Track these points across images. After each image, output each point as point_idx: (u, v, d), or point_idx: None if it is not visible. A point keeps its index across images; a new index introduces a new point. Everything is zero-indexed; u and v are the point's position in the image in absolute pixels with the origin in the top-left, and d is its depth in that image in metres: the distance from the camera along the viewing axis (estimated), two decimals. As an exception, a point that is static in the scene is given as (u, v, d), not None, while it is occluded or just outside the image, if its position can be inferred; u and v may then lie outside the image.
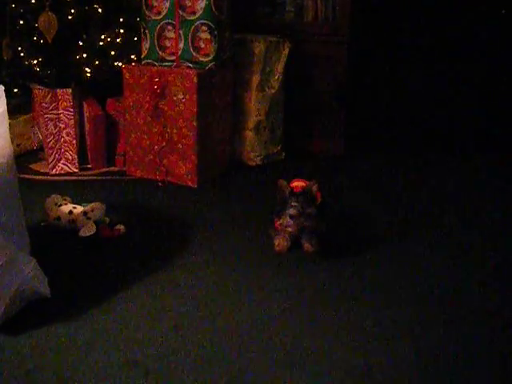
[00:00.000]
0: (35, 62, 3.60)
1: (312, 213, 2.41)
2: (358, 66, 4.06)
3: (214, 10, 3.26)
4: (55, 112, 3.42)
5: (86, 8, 3.59)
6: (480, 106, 4.39)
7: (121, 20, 3.67)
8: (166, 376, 1.75)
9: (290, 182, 2.59)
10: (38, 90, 3.44)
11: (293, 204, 2.41)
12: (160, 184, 3.35)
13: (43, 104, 3.40)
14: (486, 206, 3.14)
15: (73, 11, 3.55)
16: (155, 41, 3.38)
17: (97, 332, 1.95)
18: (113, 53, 3.64)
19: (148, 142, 3.40)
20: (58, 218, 2.66)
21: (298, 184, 2.55)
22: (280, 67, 3.71)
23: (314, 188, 2.46)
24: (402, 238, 2.75)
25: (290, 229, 2.44)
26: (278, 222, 2.47)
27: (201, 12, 3.26)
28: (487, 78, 4.42)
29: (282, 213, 2.44)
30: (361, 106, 4.24)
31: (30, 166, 3.57)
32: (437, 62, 4.46)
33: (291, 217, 2.41)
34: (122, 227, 2.68)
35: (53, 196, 2.76)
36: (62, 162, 3.47)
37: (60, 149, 3.45)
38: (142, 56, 3.46)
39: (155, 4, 3.34)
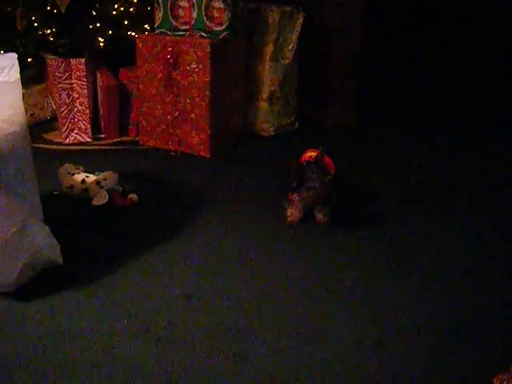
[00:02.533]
0: (49, 31, 3.60)
1: (329, 180, 2.41)
2: (373, 35, 4.02)
3: (227, -22, 3.24)
4: (68, 82, 3.42)
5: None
6: (500, 78, 4.34)
7: (134, -11, 3.66)
8: (177, 344, 1.77)
9: (303, 152, 2.59)
10: (52, 60, 3.43)
11: (312, 177, 2.40)
12: (173, 154, 3.35)
13: (57, 74, 3.40)
14: (499, 180, 3.11)
15: (86, -20, 3.55)
16: (168, 10, 3.36)
17: (108, 299, 1.97)
18: (126, 22, 3.63)
19: (161, 112, 3.39)
20: (71, 187, 2.67)
21: (311, 154, 2.55)
22: (294, 37, 3.68)
23: (320, 150, 2.46)
24: (413, 209, 2.74)
25: (310, 200, 2.43)
26: (294, 196, 2.46)
27: (214, -19, 3.24)
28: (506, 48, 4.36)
29: (301, 186, 2.42)
30: (375, 76, 4.21)
31: (44, 135, 3.58)
32: (454, 32, 4.40)
33: (309, 188, 2.40)
34: (134, 196, 2.68)
35: (66, 165, 2.77)
36: (75, 131, 3.47)
37: (73, 118, 3.46)
38: (156, 25, 3.44)
39: (168, -27, 3.32)
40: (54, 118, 3.67)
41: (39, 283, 1.99)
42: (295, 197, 2.46)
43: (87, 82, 3.43)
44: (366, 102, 4.04)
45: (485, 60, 4.36)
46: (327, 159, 2.49)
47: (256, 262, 2.24)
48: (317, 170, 2.41)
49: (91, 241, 2.36)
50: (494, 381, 1.60)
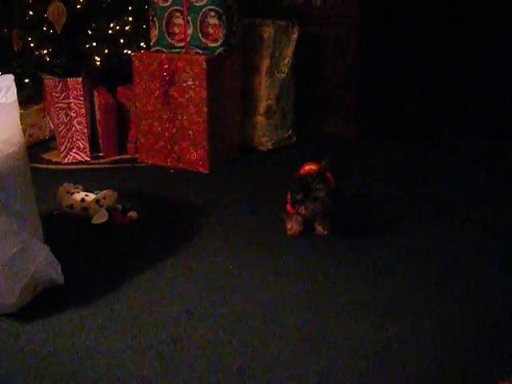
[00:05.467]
0: (45, 52, 3.62)
1: (333, 189, 2.41)
2: (369, 48, 4.04)
3: (221, -5, 3.26)
4: (66, 101, 3.44)
5: (94, -3, 3.61)
6: (496, 88, 4.34)
7: (129, 8, 3.68)
8: (179, 360, 1.76)
9: (301, 166, 2.59)
10: (49, 80, 3.46)
11: (317, 187, 2.39)
12: (172, 171, 3.35)
13: (54, 94, 3.42)
14: (500, 188, 3.12)
15: (81, 0, 3.56)
16: (164, 28, 3.38)
17: (110, 317, 1.97)
18: (122, 41, 3.65)
19: (159, 129, 3.40)
20: (71, 206, 2.67)
21: (310, 167, 2.55)
22: (289, 51, 3.70)
23: (322, 164, 2.46)
24: (412, 219, 2.74)
25: (317, 210, 2.43)
26: (300, 208, 2.45)
27: (208, -3, 3.27)
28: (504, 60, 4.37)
29: (307, 198, 2.42)
30: (372, 88, 4.22)
31: (43, 155, 3.59)
32: (450, 43, 4.41)
33: (316, 199, 2.40)
34: (134, 214, 2.69)
35: (65, 184, 2.77)
36: (73, 150, 3.49)
37: (71, 138, 3.47)
38: (151, 43, 3.47)
39: (163, -10, 3.35)
40: (53, 138, 3.68)
41: (41, 303, 1.99)
42: (301, 209, 2.46)
43: (84, 101, 3.45)
44: (365, 113, 4.04)
45: (486, 70, 4.37)
46: (327, 172, 2.49)
47: (257, 275, 2.24)
48: (321, 180, 2.41)
49: (92, 260, 2.36)
50: None
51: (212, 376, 1.70)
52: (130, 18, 3.66)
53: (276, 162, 3.55)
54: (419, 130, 4.10)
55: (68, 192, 2.72)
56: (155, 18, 3.40)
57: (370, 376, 1.70)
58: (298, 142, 3.86)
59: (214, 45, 3.30)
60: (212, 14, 3.26)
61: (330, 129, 3.98)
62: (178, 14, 3.33)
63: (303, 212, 2.46)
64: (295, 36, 3.69)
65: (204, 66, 3.19)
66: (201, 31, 3.30)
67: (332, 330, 1.91)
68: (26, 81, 3.72)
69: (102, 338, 1.87)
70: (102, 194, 2.68)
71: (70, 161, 3.48)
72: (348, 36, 3.87)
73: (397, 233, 2.60)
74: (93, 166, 3.45)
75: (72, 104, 3.44)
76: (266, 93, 3.68)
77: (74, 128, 3.47)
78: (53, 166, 3.44)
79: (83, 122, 3.47)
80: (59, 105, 3.43)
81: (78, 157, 3.50)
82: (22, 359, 1.77)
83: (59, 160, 3.50)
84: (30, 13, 3.61)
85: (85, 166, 3.44)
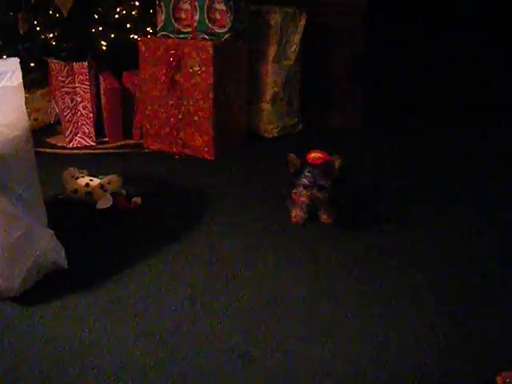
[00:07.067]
0: (51, 35, 3.61)
1: (325, 185, 2.39)
2: (376, 37, 4.01)
3: (229, -20, 3.24)
4: (72, 86, 3.42)
5: (101, -19, 3.59)
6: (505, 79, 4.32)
7: (136, -8, 3.67)
8: (181, 347, 1.76)
9: (307, 153, 2.58)
10: (55, 64, 3.44)
11: (306, 174, 2.39)
12: (177, 157, 3.35)
13: (60, 78, 3.40)
14: (507, 181, 3.11)
15: (88, -16, 3.56)
16: (170, 13, 3.36)
17: (113, 303, 1.96)
18: (128, 25, 3.64)
19: (164, 115, 3.39)
20: (75, 191, 2.67)
21: (315, 155, 2.53)
22: (297, 39, 3.68)
23: (337, 163, 2.43)
24: (416, 211, 2.74)
25: (302, 198, 2.43)
26: (293, 191, 2.46)
27: (216, -17, 3.25)
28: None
29: (297, 183, 2.43)
30: (379, 78, 4.20)
31: (48, 139, 3.58)
32: (457, 33, 4.38)
33: (304, 187, 2.40)
34: (138, 199, 2.68)
35: (70, 169, 2.77)
36: (78, 135, 3.48)
37: (77, 122, 3.46)
38: (158, 28, 3.45)
39: (170, -25, 3.33)
40: (58, 122, 3.68)
41: (44, 287, 1.99)
42: (293, 192, 2.46)
43: (90, 85, 3.44)
44: (370, 103, 4.03)
45: (493, 63, 4.34)
46: (338, 165, 2.45)
47: (261, 263, 2.24)
48: (316, 173, 2.40)
49: (95, 245, 2.36)
50: (498, 379, 1.59)
51: (215, 363, 1.70)
52: (137, 3, 3.65)
53: (281, 149, 3.53)
54: (426, 123, 4.08)
55: (73, 177, 2.72)
56: (162, 3, 3.38)
57: (372, 368, 1.70)
58: (303, 130, 3.84)
59: (221, 31, 3.28)
60: (219, -1, 3.25)
61: (336, 119, 3.96)
62: (185, -1, 3.32)
63: (304, 199, 2.45)
64: (302, 23, 3.67)
65: (210, 52, 3.17)
66: (208, 17, 3.28)
67: (335, 318, 1.91)
68: (32, 64, 3.71)
69: (104, 323, 1.86)
70: (106, 178, 2.68)
71: (74, 145, 3.48)
72: (355, 24, 3.85)
73: (401, 224, 2.59)
74: (98, 151, 3.44)
75: (77, 88, 3.43)
76: (272, 80, 3.66)
77: (79, 112, 3.46)
78: (58, 151, 3.43)
79: (88, 106, 3.46)
80: (65, 89, 3.42)
81: (83, 141, 3.49)
82: (24, 343, 1.77)
83: (64, 144, 3.49)
84: (36, -4, 3.60)
85: (90, 151, 3.43)
